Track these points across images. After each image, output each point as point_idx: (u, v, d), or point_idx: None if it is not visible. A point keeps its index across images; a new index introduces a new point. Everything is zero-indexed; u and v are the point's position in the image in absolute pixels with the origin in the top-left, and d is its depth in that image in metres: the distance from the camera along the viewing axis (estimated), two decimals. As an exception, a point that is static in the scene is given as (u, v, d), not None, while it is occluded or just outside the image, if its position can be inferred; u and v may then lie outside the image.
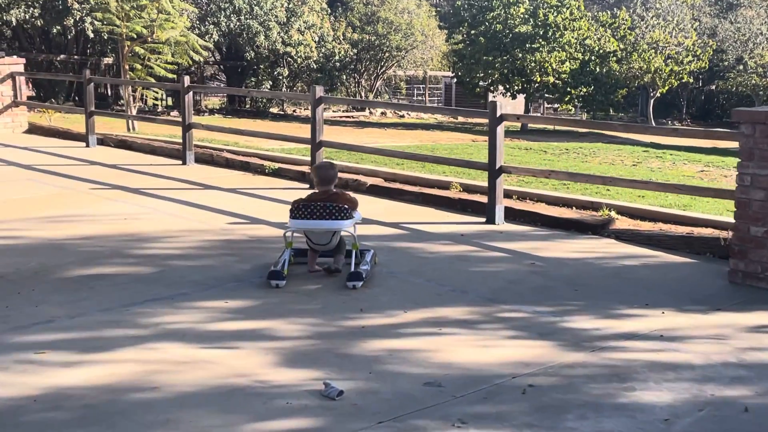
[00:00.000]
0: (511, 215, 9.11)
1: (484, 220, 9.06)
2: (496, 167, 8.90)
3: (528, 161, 16.73)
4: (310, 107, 10.72)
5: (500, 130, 8.88)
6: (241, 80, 33.04)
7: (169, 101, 30.66)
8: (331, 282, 6.73)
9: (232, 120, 27.25)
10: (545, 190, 10.71)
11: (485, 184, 9.26)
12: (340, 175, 10.89)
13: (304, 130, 14.09)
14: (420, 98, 44.64)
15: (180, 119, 13.00)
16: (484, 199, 9.45)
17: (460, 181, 11.21)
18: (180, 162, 12.85)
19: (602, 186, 10.59)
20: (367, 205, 9.63)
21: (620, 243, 8.21)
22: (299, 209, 6.75)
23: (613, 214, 9.35)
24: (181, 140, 12.98)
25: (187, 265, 7.19)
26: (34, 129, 16.66)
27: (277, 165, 11.95)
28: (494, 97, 31.64)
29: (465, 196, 9.96)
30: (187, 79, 12.76)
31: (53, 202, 9.78)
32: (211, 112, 30.86)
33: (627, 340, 5.56)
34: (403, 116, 34.10)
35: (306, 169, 11.34)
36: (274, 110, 32.95)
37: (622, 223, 8.91)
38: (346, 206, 6.79)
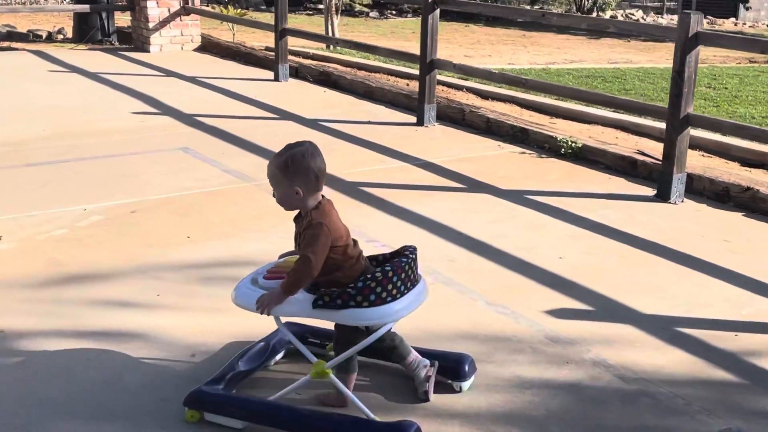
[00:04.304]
0: None
1: None
2: None
3: None
4: (674, 53, 5.80)
5: None
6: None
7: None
8: None
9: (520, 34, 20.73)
10: None
11: None
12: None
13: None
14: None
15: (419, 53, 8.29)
16: None
17: None
18: (414, 120, 8.26)
19: None
20: None
21: None
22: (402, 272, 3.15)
23: None
24: (417, 84, 8.36)
25: None
26: (208, 46, 12.51)
27: (580, 141, 7.13)
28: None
29: None
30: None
31: (189, 221, 5.46)
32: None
33: None
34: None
35: (635, 151, 6.51)
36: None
37: None
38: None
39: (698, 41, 5.68)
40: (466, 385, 3.47)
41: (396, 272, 3.10)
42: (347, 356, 3.22)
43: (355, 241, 3.24)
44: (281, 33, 9.97)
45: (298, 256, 3.24)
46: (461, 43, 17.57)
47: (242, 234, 5.17)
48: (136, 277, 4.52)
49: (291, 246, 3.33)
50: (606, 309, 4.28)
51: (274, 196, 3.21)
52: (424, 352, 3.50)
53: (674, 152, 5.84)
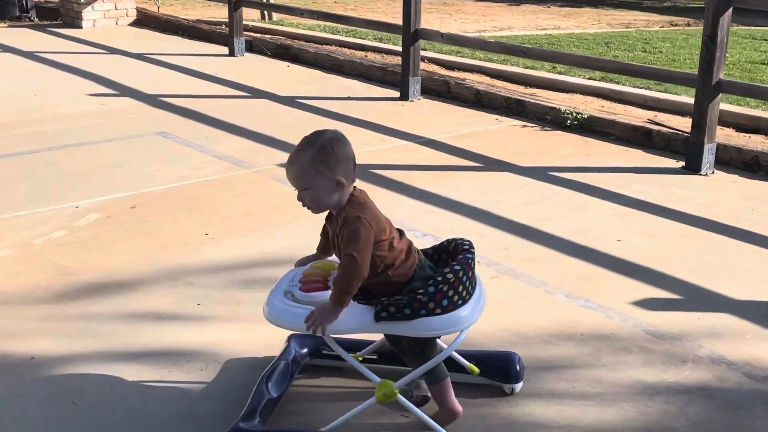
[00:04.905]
0: None
1: None
2: None
3: None
4: (705, 16, 5.47)
5: None
6: None
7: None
8: None
9: None
10: None
11: None
12: None
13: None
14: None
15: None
16: None
17: None
18: (396, 94, 7.79)
19: None
20: None
21: None
22: (470, 270, 2.77)
23: None
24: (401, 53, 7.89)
25: None
26: (144, 20, 11.74)
27: (586, 112, 6.79)
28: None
29: None
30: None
31: (201, 215, 4.91)
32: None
33: None
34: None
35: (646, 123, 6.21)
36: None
37: None
38: None
39: (730, 2, 5.37)
40: (518, 387, 3.09)
41: (465, 271, 2.72)
42: (421, 372, 2.79)
43: (400, 232, 2.81)
44: (236, 4, 9.33)
45: (326, 261, 2.88)
46: (386, 12, 17.04)
47: (265, 228, 4.66)
48: (164, 283, 3.98)
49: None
50: (694, 296, 3.94)
51: (299, 199, 2.73)
52: (466, 354, 3.10)
53: (705, 121, 5.54)
